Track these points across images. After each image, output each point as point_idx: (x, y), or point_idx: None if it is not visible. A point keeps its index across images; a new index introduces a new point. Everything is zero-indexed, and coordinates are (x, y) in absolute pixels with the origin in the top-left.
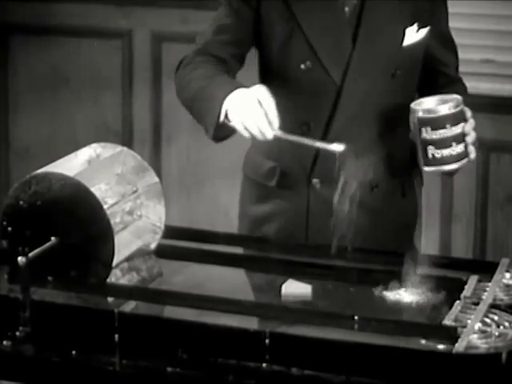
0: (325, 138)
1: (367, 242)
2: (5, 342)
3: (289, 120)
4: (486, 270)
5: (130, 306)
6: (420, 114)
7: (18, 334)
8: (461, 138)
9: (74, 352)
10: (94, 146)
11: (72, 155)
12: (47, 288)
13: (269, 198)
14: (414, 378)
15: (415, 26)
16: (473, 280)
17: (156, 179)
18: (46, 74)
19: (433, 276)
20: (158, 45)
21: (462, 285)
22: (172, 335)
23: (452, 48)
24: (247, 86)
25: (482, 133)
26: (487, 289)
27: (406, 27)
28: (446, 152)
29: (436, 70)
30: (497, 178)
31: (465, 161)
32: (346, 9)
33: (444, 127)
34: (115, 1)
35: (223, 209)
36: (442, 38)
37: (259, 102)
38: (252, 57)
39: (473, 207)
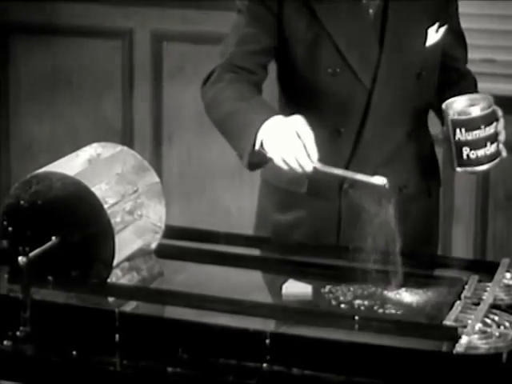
0: (356, 143)
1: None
2: (5, 342)
3: (319, 127)
4: (487, 270)
5: (130, 306)
6: (454, 116)
7: (18, 333)
8: (494, 137)
9: (74, 352)
10: (94, 145)
11: (72, 155)
12: (48, 288)
13: (296, 204)
14: (414, 378)
15: (435, 26)
16: (473, 280)
17: (156, 179)
18: (47, 74)
19: (433, 276)
20: (158, 44)
21: (462, 285)
22: (172, 335)
23: (463, 42)
24: (281, 113)
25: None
26: (487, 289)
27: (429, 27)
28: (480, 152)
29: (448, 65)
30: (497, 177)
31: (497, 160)
32: (371, 11)
33: (479, 128)
34: (116, 1)
35: (224, 208)
36: (454, 34)
37: (297, 134)
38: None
39: (473, 207)
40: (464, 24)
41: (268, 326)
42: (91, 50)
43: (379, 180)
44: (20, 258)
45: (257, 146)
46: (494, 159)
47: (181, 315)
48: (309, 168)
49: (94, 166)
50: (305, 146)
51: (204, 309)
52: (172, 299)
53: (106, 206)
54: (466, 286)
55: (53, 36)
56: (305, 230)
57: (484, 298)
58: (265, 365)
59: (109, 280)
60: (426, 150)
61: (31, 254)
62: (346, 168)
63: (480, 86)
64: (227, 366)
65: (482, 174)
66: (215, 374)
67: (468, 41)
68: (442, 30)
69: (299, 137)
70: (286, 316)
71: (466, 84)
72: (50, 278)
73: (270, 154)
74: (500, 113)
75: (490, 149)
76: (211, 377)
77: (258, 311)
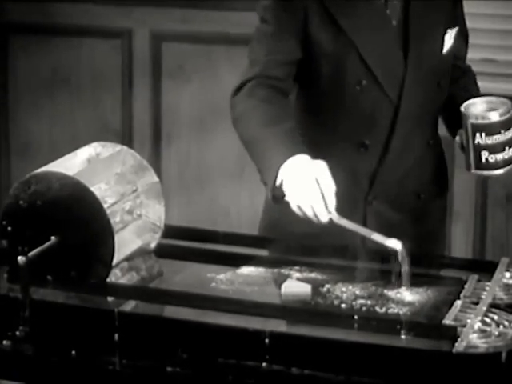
0: (383, 156)
1: (414, 248)
2: (5, 342)
3: (344, 140)
4: (486, 269)
5: (129, 306)
6: (474, 120)
7: (17, 333)
8: None
9: (73, 352)
10: (93, 145)
11: (72, 154)
12: (47, 287)
13: None
14: (414, 378)
15: (449, 32)
16: (472, 279)
17: (156, 178)
18: (46, 74)
19: (433, 276)
20: (157, 44)
21: (461, 284)
22: (172, 335)
23: (466, 41)
24: (305, 152)
25: None
26: (487, 288)
27: (444, 34)
28: (499, 156)
29: (452, 64)
30: (497, 177)
31: None
32: (394, 22)
33: (498, 132)
34: (115, 1)
35: (223, 208)
36: (461, 36)
37: (317, 181)
38: None
39: (473, 207)
40: None
41: (267, 325)
42: (91, 50)
43: (394, 244)
44: (19, 258)
45: (277, 183)
46: (511, 163)
47: (180, 315)
48: (324, 219)
49: (94, 165)
50: (323, 195)
51: (203, 309)
52: (171, 299)
53: (105, 206)
54: (466, 286)
55: (52, 36)
56: (329, 241)
57: (483, 297)
58: (264, 364)
59: (108, 280)
60: (439, 155)
61: (30, 254)
62: (372, 183)
63: (480, 85)
64: (226, 365)
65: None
66: (215, 374)
67: (469, 40)
68: (453, 34)
69: (318, 184)
70: (285, 316)
71: (466, 80)
72: (49, 277)
73: (287, 198)
74: None
75: (509, 153)
76: (211, 376)
77: (257, 311)
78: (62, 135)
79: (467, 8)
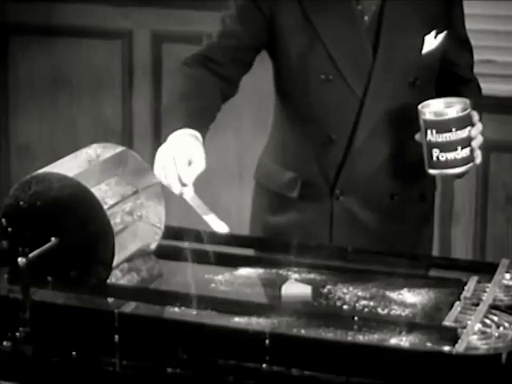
0: (348, 150)
1: (387, 249)
2: (5, 343)
3: (312, 133)
4: (486, 270)
5: (130, 307)
6: (426, 117)
7: (17, 334)
8: (467, 142)
9: (73, 353)
10: (94, 146)
11: (72, 155)
12: (47, 288)
13: (288, 208)
14: (414, 379)
15: (433, 33)
16: (473, 281)
17: (156, 180)
18: (46, 75)
19: (433, 276)
20: (158, 45)
21: (461, 285)
22: (172, 335)
23: (467, 48)
24: (197, 129)
25: (482, 132)
26: (487, 289)
27: (425, 34)
28: (450, 156)
29: (448, 71)
30: (497, 178)
31: (470, 165)
32: (366, 18)
33: (450, 131)
34: (115, 1)
35: (223, 209)
36: (456, 40)
37: (181, 154)
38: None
39: (473, 207)
40: (465, 24)
41: (267, 326)
42: (91, 50)
43: (221, 227)
44: (20, 259)
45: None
46: (466, 164)
47: (180, 315)
48: (176, 191)
49: (94, 166)
50: (178, 167)
51: (203, 309)
52: (171, 300)
53: (105, 207)
54: (466, 287)
55: (53, 36)
56: (297, 233)
57: (483, 298)
58: (264, 365)
59: (108, 281)
60: (418, 156)
61: (31, 255)
62: (338, 174)
63: (481, 86)
64: (227, 366)
65: (454, 177)
66: (215, 375)
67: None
68: (441, 36)
69: (175, 161)
70: (285, 316)
71: (465, 90)
72: (49, 278)
73: (158, 171)
74: (476, 117)
75: (461, 153)
76: (211, 377)
77: (257, 311)
78: (63, 136)
79: (467, 9)
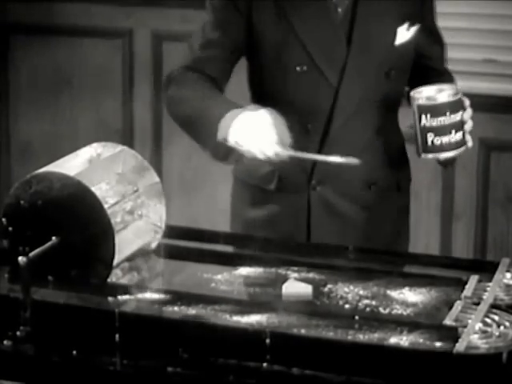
0: (323, 140)
1: (365, 239)
2: (5, 342)
3: (289, 123)
4: (487, 269)
5: (130, 306)
6: (420, 102)
7: (18, 333)
8: (460, 125)
9: (74, 352)
10: (94, 145)
11: (73, 155)
12: (48, 288)
13: (266, 201)
14: (414, 378)
15: (406, 25)
16: (473, 280)
17: (157, 179)
18: (47, 74)
19: (433, 276)
20: (158, 44)
21: (462, 285)
22: (172, 335)
23: (438, 41)
24: (242, 107)
25: (482, 132)
26: (488, 289)
27: (398, 26)
28: (445, 139)
29: (422, 64)
30: (497, 177)
31: (462, 149)
32: (339, 10)
33: (444, 114)
34: (116, 1)
35: (224, 208)
36: (428, 34)
37: (269, 124)
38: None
39: (473, 207)
40: (466, 24)
41: (268, 325)
42: (91, 50)
43: (351, 160)
44: (20, 258)
45: (219, 137)
46: (459, 147)
47: (180, 315)
48: (269, 153)
49: (94, 166)
50: (278, 134)
51: (204, 309)
52: (172, 299)
53: (106, 206)
54: (466, 286)
55: (53, 36)
56: (276, 226)
57: (484, 297)
58: (265, 365)
59: (109, 280)
60: (395, 146)
61: (31, 254)
62: (314, 165)
63: (481, 85)
64: (227, 365)
65: (446, 162)
66: (215, 374)
67: (469, 40)
68: (414, 29)
69: (272, 126)
70: (286, 316)
71: (439, 82)
72: (50, 277)
73: (242, 147)
74: (467, 102)
75: (455, 137)
76: (211, 377)
77: (258, 311)
78: (63, 135)
79: (468, 8)
